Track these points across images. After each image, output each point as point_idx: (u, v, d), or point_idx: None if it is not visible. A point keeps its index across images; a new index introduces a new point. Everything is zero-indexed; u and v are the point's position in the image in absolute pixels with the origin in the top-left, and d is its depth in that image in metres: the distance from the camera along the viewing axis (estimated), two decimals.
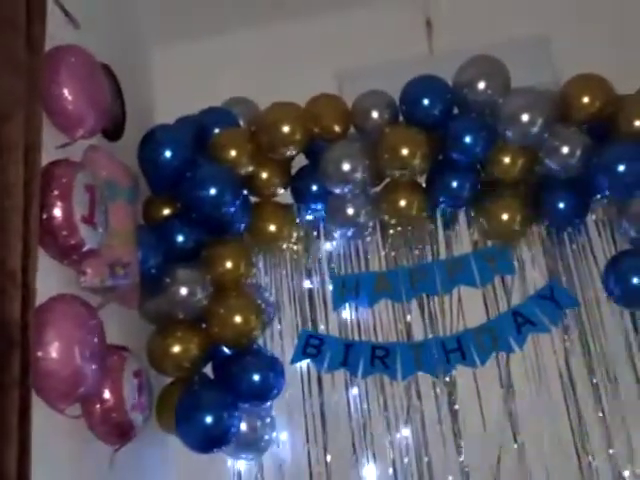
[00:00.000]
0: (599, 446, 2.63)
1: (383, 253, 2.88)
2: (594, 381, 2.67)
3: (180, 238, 2.52)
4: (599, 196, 2.68)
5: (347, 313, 2.84)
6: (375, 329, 2.81)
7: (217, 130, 2.67)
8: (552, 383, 2.68)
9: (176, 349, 2.46)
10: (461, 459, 2.65)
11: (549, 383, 2.68)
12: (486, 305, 2.77)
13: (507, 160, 2.67)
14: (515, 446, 2.64)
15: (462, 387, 2.71)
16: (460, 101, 2.68)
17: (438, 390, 2.72)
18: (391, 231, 2.84)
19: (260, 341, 2.69)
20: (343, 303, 2.83)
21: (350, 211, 2.73)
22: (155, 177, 2.57)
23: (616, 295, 2.62)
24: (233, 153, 2.63)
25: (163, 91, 3.24)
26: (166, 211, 2.59)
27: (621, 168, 2.52)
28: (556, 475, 2.60)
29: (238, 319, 2.50)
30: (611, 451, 2.61)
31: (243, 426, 2.49)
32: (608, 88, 2.63)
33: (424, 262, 2.85)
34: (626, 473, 2.59)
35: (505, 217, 2.72)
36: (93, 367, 1.96)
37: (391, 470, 2.68)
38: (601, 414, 2.64)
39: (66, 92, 2.06)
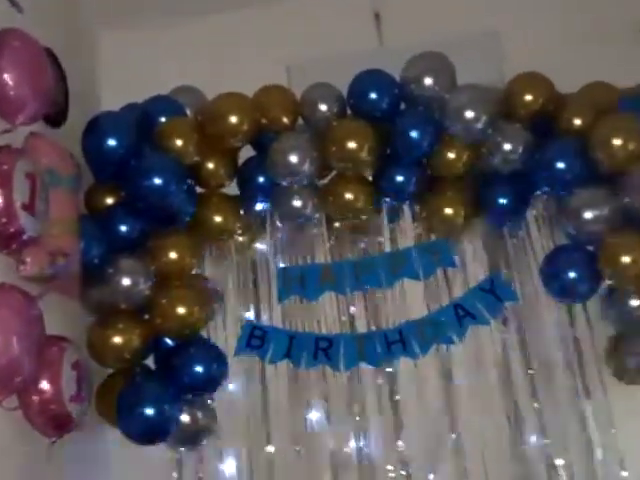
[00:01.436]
0: (534, 436, 2.71)
1: (328, 245, 2.90)
2: (530, 372, 2.75)
3: (123, 228, 2.49)
4: (539, 192, 2.75)
5: (292, 305, 2.85)
6: (319, 321, 2.83)
7: (163, 119, 2.64)
8: (490, 374, 2.75)
9: (117, 340, 2.43)
10: (400, 449, 2.70)
11: (487, 374, 2.75)
12: (428, 298, 2.82)
13: (452, 155, 2.71)
14: (453, 436, 2.70)
15: (403, 378, 2.75)
16: (407, 96, 2.71)
17: (379, 381, 2.76)
18: (337, 224, 2.86)
19: (204, 332, 2.68)
20: (288, 295, 2.84)
21: (296, 203, 2.74)
22: (99, 165, 2.54)
23: (553, 289, 2.69)
24: (179, 143, 2.60)
25: (109, 78, 3.18)
26: (109, 200, 2.56)
27: (560, 165, 2.60)
28: (491, 464, 2.66)
29: (182, 310, 2.49)
30: (545, 441, 2.69)
31: (184, 417, 2.48)
32: (550, 86, 2.70)
33: (369, 255, 2.89)
34: (558, 462, 2.68)
35: (448, 211, 2.77)
36: (31, 358, 1.93)
37: (331, 460, 2.71)
38: (536, 405, 2.72)
39: (7, 77, 2.00)
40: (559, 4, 3.19)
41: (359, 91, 2.70)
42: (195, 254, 2.65)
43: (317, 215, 2.81)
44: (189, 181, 2.65)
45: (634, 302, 2.53)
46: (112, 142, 2.48)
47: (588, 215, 2.54)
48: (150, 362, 2.58)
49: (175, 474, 2.67)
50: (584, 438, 2.69)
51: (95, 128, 2.52)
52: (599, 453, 2.67)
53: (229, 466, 2.73)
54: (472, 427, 2.69)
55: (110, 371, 2.54)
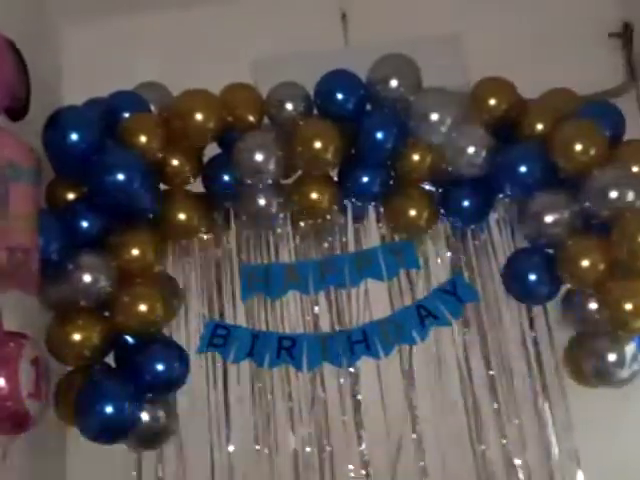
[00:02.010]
0: (493, 436, 2.74)
1: (293, 245, 2.90)
2: (490, 373, 2.78)
3: (85, 223, 2.46)
4: (501, 195, 2.78)
5: (255, 304, 2.85)
6: (283, 320, 2.83)
7: (127, 114, 2.61)
8: (451, 375, 2.78)
9: (77, 337, 2.40)
10: (361, 448, 2.71)
11: (448, 375, 2.77)
12: (391, 298, 2.84)
13: (416, 157, 2.74)
14: (414, 436, 2.72)
15: (365, 378, 2.76)
16: (373, 97, 2.73)
17: (342, 381, 2.77)
18: (302, 223, 2.87)
19: (166, 330, 2.66)
20: (251, 294, 2.84)
21: (261, 202, 2.73)
22: (60, 160, 2.50)
23: (514, 290, 2.73)
24: (143, 139, 2.57)
25: (72, 72, 3.15)
26: (71, 195, 2.52)
27: (522, 169, 2.63)
28: (452, 464, 2.68)
29: (143, 308, 2.46)
30: (504, 441, 2.73)
31: (145, 416, 2.45)
32: (514, 91, 2.74)
33: (333, 255, 2.89)
34: (517, 462, 2.71)
35: (412, 213, 2.79)
36: None
37: (292, 460, 2.71)
38: (496, 405, 2.76)
39: None
40: (525, 8, 3.25)
41: (326, 91, 2.71)
42: (158, 251, 2.62)
43: (282, 214, 2.81)
44: (153, 178, 2.62)
45: (592, 305, 2.56)
46: (74, 137, 2.44)
47: (548, 219, 2.58)
48: (111, 360, 2.55)
49: (134, 473, 2.65)
50: (542, 439, 2.73)
51: (57, 122, 2.48)
52: (556, 453, 2.71)
53: (189, 466, 2.71)
54: (432, 427, 2.71)
55: (69, 368, 2.51)
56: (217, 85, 2.71)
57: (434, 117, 2.65)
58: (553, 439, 2.71)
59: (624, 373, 2.51)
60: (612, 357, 2.51)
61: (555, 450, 2.71)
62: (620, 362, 2.51)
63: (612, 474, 2.75)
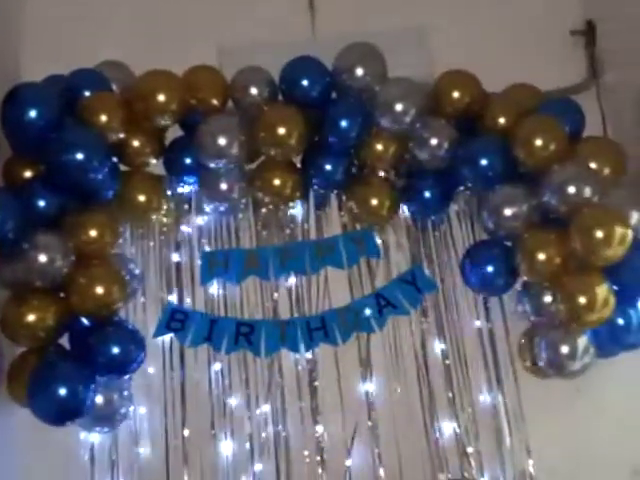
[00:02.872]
0: (447, 424, 2.78)
1: (254, 231, 2.89)
2: (446, 362, 2.82)
3: (42, 202, 2.41)
4: (462, 187, 2.81)
5: (214, 289, 2.83)
6: (242, 306, 2.82)
7: (87, 93, 2.56)
8: (408, 363, 2.81)
9: (31, 318, 2.35)
10: (317, 434, 2.73)
11: (405, 363, 2.81)
12: (351, 286, 2.85)
13: (380, 147, 2.75)
14: (369, 423, 2.75)
15: (323, 365, 2.78)
16: (339, 85, 2.72)
17: (300, 367, 2.78)
18: (263, 209, 2.85)
19: (122, 313, 2.63)
20: (211, 278, 2.82)
21: (223, 186, 2.72)
22: (17, 137, 2.44)
23: (471, 281, 2.77)
24: (103, 118, 2.52)
25: (32, 48, 3.07)
26: (28, 173, 2.47)
27: (483, 162, 2.65)
28: (406, 451, 2.72)
29: (100, 290, 2.43)
30: (457, 429, 2.77)
31: (99, 399, 2.42)
32: (477, 85, 2.76)
33: (294, 242, 2.89)
34: (469, 450, 2.76)
35: (374, 202, 2.81)
36: None
37: (248, 445, 2.72)
38: (450, 394, 2.79)
39: None
40: (491, 4, 3.28)
41: (291, 77, 2.70)
42: (116, 233, 2.58)
43: (244, 199, 2.80)
44: (113, 158, 2.58)
45: (547, 298, 2.61)
46: (33, 114, 2.38)
47: (507, 212, 2.61)
48: (65, 342, 2.52)
49: (87, 457, 2.62)
50: (494, 427, 2.78)
51: (15, 99, 2.42)
52: (508, 442, 2.76)
53: (144, 449, 2.70)
54: (388, 414, 2.74)
55: (23, 349, 2.47)
56: (181, 68, 2.68)
57: (399, 107, 2.67)
58: (505, 428, 2.77)
59: (576, 365, 2.56)
60: (565, 349, 2.55)
61: (507, 439, 2.76)
62: (572, 354, 2.55)
63: (562, 463, 2.81)
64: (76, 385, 2.34)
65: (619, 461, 2.80)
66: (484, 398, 2.81)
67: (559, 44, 3.31)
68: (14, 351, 2.48)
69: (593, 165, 2.60)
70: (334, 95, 2.74)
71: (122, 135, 2.59)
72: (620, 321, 2.56)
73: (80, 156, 2.39)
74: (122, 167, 2.69)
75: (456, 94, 2.72)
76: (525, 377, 2.77)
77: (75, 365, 2.39)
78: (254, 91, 2.70)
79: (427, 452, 2.75)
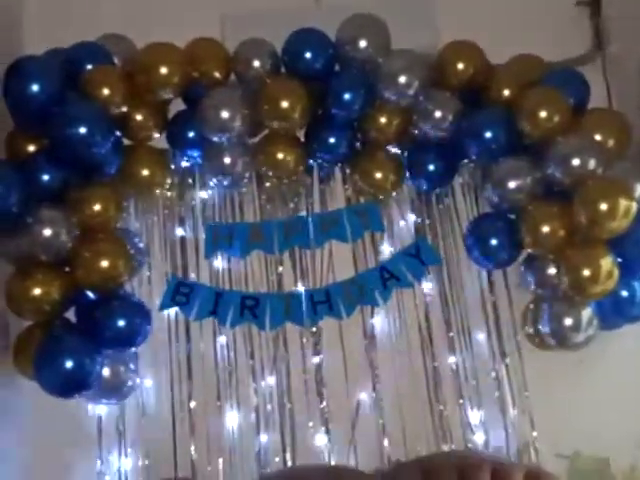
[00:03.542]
0: (451, 396, 2.80)
1: (258, 204, 2.89)
2: (450, 335, 2.84)
3: (45, 177, 2.40)
4: (466, 160, 2.80)
5: (219, 262, 2.84)
6: (246, 279, 2.83)
7: (89, 66, 2.55)
8: (411, 336, 2.82)
9: (36, 292, 2.36)
10: (322, 406, 2.75)
11: (409, 336, 2.82)
12: (355, 260, 2.86)
13: (383, 120, 2.73)
14: (374, 395, 2.77)
15: (327, 338, 2.79)
16: (342, 57, 2.70)
17: (304, 340, 2.79)
18: (267, 183, 2.85)
19: (128, 287, 2.64)
20: (215, 252, 2.83)
21: (227, 160, 2.71)
22: (20, 111, 2.43)
23: (475, 255, 2.77)
24: (106, 91, 2.51)
25: (33, 21, 3.05)
26: (31, 147, 2.45)
27: (488, 134, 2.64)
28: (410, 422, 2.74)
29: (105, 264, 2.43)
30: (461, 401, 2.79)
31: (106, 371, 2.44)
32: (482, 56, 2.74)
33: (298, 215, 2.89)
34: (473, 421, 2.78)
35: (378, 175, 2.80)
36: None
37: (254, 416, 2.74)
38: (454, 366, 2.81)
39: None
40: None
41: (294, 49, 2.67)
42: (120, 207, 2.58)
43: (247, 173, 2.79)
44: (116, 132, 2.57)
45: (551, 270, 2.61)
46: (34, 87, 2.37)
47: (511, 184, 2.60)
48: (71, 316, 2.53)
49: (95, 429, 2.65)
50: (498, 399, 2.80)
51: (17, 72, 2.40)
52: (512, 414, 2.78)
53: (151, 421, 2.73)
54: (392, 386, 2.75)
55: (29, 323, 2.49)
56: (183, 39, 2.66)
57: (402, 79, 2.65)
58: (509, 400, 2.79)
59: (580, 337, 2.57)
60: (569, 321, 2.56)
61: (511, 411, 2.78)
62: (576, 326, 2.56)
63: (565, 434, 2.83)
64: (82, 358, 2.36)
65: (623, 432, 2.81)
66: (488, 370, 2.83)
67: (564, 15, 3.27)
68: (20, 325, 2.49)
69: (598, 137, 2.58)
70: (337, 67, 2.73)
71: (125, 109, 2.58)
72: (624, 293, 2.56)
73: (83, 130, 2.38)
74: (125, 141, 2.68)
75: (460, 65, 2.70)
76: (528, 349, 2.77)
77: (81, 338, 2.40)
78: (257, 64, 2.67)
79: (431, 424, 2.76)
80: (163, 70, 2.55)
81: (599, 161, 2.51)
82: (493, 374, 2.81)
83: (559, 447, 2.83)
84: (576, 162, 2.50)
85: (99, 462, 2.66)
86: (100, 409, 2.63)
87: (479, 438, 2.77)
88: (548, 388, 2.80)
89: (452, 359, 2.82)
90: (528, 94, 2.63)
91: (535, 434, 2.75)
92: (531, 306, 2.75)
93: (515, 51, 2.78)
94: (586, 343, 2.58)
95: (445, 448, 2.74)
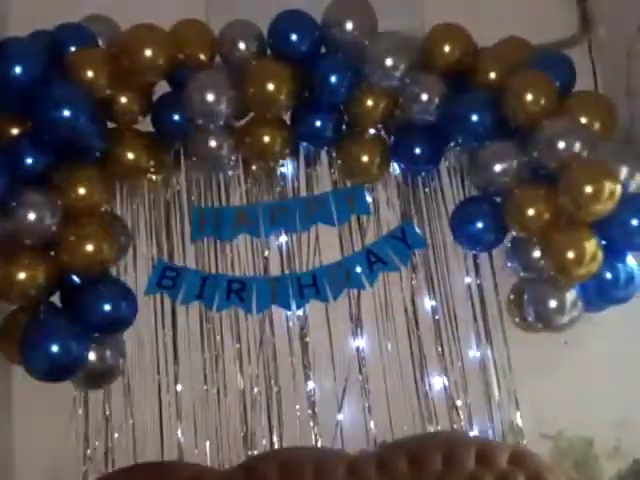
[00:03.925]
0: (436, 378, 2.82)
1: (244, 188, 2.89)
2: (436, 318, 2.85)
3: (29, 160, 2.38)
4: (452, 144, 2.80)
5: (205, 246, 2.84)
6: (232, 263, 2.84)
7: (73, 48, 2.52)
8: (398, 319, 2.83)
9: (21, 276, 2.35)
10: (309, 389, 2.76)
11: (395, 319, 2.83)
12: (341, 243, 2.87)
13: (370, 103, 2.73)
14: (360, 377, 2.79)
15: (314, 321, 2.80)
16: (328, 40, 2.69)
17: (291, 324, 2.80)
18: (253, 166, 2.85)
19: (113, 271, 2.64)
20: (201, 235, 2.83)
21: (212, 143, 2.70)
22: (3, 93, 2.40)
23: (461, 238, 2.78)
24: (90, 74, 2.49)
25: (19, 2, 3.01)
26: (15, 130, 2.43)
27: (474, 118, 2.64)
28: (396, 405, 2.76)
29: (90, 247, 2.42)
30: (447, 383, 2.81)
31: (92, 356, 2.45)
32: (468, 39, 2.73)
33: (285, 199, 2.89)
34: (459, 402, 2.80)
35: (365, 159, 2.80)
36: None
37: (240, 400, 2.75)
38: (440, 348, 2.83)
39: None
40: None
41: (280, 32, 2.66)
42: (105, 191, 2.57)
43: (233, 157, 2.78)
44: (100, 115, 2.55)
45: (536, 253, 2.62)
46: (18, 70, 2.35)
47: (497, 168, 2.61)
48: (57, 300, 2.52)
49: (81, 411, 2.65)
50: (483, 381, 2.82)
51: (0, 54, 2.38)
52: (497, 395, 2.81)
53: (137, 404, 2.73)
54: (378, 369, 2.77)
55: (14, 307, 2.48)
56: (168, 21, 2.63)
57: (389, 62, 2.63)
58: (494, 381, 2.81)
59: (564, 319, 2.59)
60: (553, 303, 2.58)
61: (495, 392, 2.81)
62: (561, 308, 2.58)
63: (549, 415, 2.85)
64: (69, 342, 2.36)
65: (606, 413, 2.85)
66: (473, 352, 2.85)
67: None
68: (5, 309, 2.48)
69: (583, 120, 2.58)
70: (323, 50, 2.71)
71: (109, 91, 2.57)
72: (608, 275, 2.58)
73: (67, 113, 2.36)
74: (110, 124, 2.66)
75: (447, 48, 2.69)
76: (513, 331, 2.80)
77: (67, 323, 2.40)
78: (242, 46, 2.65)
79: (417, 405, 2.78)
80: (148, 52, 2.53)
81: (585, 144, 2.51)
82: (478, 356, 2.83)
83: (543, 427, 2.86)
84: (562, 145, 2.50)
85: (85, 444, 2.67)
86: (86, 393, 2.63)
87: (464, 419, 2.79)
88: (532, 370, 2.82)
89: (438, 341, 2.83)
90: (514, 77, 2.62)
91: (519, 415, 2.79)
92: (516, 289, 2.77)
93: (502, 34, 2.77)
94: (570, 325, 2.61)
95: (431, 429, 2.77)
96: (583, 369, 2.86)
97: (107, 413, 2.69)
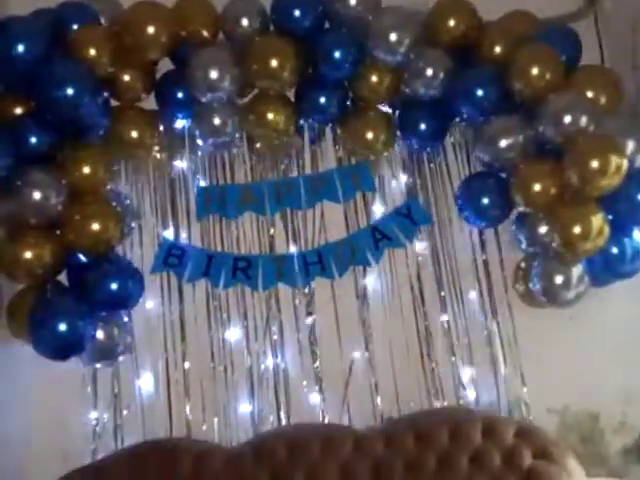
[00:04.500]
0: (443, 354, 2.83)
1: (249, 165, 2.88)
2: (442, 294, 2.86)
3: (33, 139, 2.39)
4: (458, 119, 2.78)
5: (211, 224, 2.84)
6: (238, 241, 2.84)
7: (76, 26, 2.51)
8: (404, 295, 2.84)
9: (28, 255, 2.37)
10: (315, 365, 2.78)
11: (401, 295, 2.84)
12: (347, 220, 2.86)
13: (374, 78, 2.71)
14: (366, 354, 2.80)
15: (320, 298, 2.81)
16: (332, 15, 2.67)
17: (297, 301, 2.81)
18: (258, 144, 2.84)
19: (119, 250, 2.65)
20: (207, 213, 2.83)
21: (216, 121, 2.69)
22: (6, 73, 2.41)
23: (467, 214, 2.78)
24: (92, 52, 2.49)
25: None
26: (18, 110, 2.43)
27: (479, 92, 2.63)
28: (402, 380, 2.77)
29: (95, 226, 2.44)
30: (452, 358, 2.82)
31: (99, 334, 2.46)
32: (473, 13, 2.71)
33: (289, 176, 2.88)
34: (464, 378, 2.81)
35: (369, 135, 2.79)
36: None
37: (247, 377, 2.77)
38: (446, 325, 2.84)
39: None
40: None
41: (283, 7, 2.64)
42: (110, 169, 2.58)
43: (238, 134, 2.77)
44: (104, 93, 2.55)
45: (542, 229, 2.61)
46: (21, 48, 2.35)
47: (503, 143, 2.60)
48: (63, 279, 2.53)
49: (89, 389, 2.68)
50: (490, 356, 2.83)
51: (2, 33, 2.38)
52: (503, 370, 2.81)
53: (145, 382, 2.75)
54: (384, 345, 2.78)
55: (22, 286, 2.49)
56: None
57: (393, 37, 2.61)
58: (500, 357, 2.82)
59: (570, 294, 2.59)
60: (559, 279, 2.58)
61: (502, 367, 2.81)
62: (567, 284, 2.58)
63: (555, 390, 2.86)
64: (76, 320, 2.38)
65: (612, 388, 2.85)
66: (479, 328, 2.85)
67: None
68: (13, 289, 2.50)
69: (589, 94, 2.57)
70: (327, 25, 2.69)
71: (112, 69, 2.56)
72: (614, 250, 2.57)
73: (70, 91, 2.36)
74: (113, 102, 2.66)
75: (452, 22, 2.67)
76: (519, 306, 2.81)
77: (74, 301, 2.41)
78: (245, 22, 2.63)
79: (423, 381, 2.80)
80: (150, 29, 2.52)
81: (591, 118, 2.50)
82: (484, 331, 2.84)
83: (549, 402, 2.86)
84: (567, 119, 2.49)
85: (95, 422, 2.70)
86: (94, 369, 2.65)
87: (470, 394, 2.81)
88: (538, 345, 2.82)
89: (444, 317, 2.84)
90: (520, 51, 2.60)
91: (526, 390, 2.80)
92: (522, 264, 2.77)
93: (507, 8, 2.74)
94: (576, 300, 2.61)
95: (437, 405, 2.78)
96: (589, 344, 2.86)
97: (116, 391, 2.71)
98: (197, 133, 2.74)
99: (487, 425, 2.62)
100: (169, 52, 2.63)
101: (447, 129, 2.83)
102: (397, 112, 2.84)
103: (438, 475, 2.53)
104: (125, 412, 2.72)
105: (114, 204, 2.56)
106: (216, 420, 2.74)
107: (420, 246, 2.87)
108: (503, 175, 2.69)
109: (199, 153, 2.84)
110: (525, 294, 2.76)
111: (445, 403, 2.79)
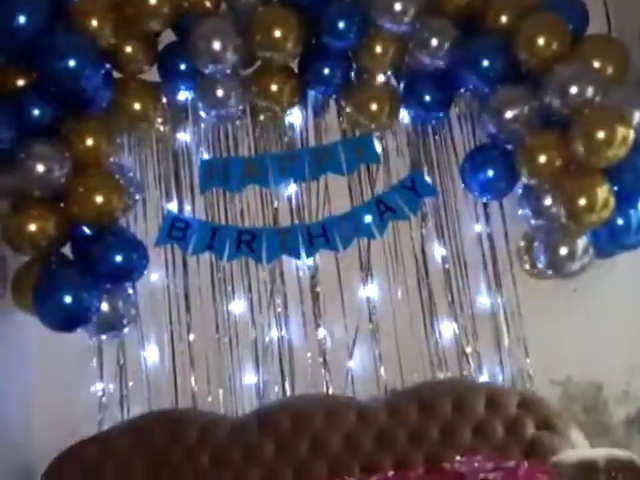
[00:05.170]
0: (446, 325, 2.84)
1: (253, 138, 2.87)
2: (446, 266, 2.86)
3: (35, 111, 2.37)
4: (463, 90, 2.76)
5: (214, 197, 2.84)
6: (242, 214, 2.84)
7: None
8: (408, 267, 2.84)
9: (32, 227, 2.37)
10: (319, 337, 2.79)
11: (405, 267, 2.84)
12: (351, 193, 2.86)
13: (378, 49, 2.68)
14: (370, 326, 2.81)
15: (324, 270, 2.82)
16: None
17: (301, 273, 2.82)
18: (262, 116, 2.82)
19: (123, 222, 2.64)
20: (211, 186, 2.83)
21: (220, 93, 2.67)
22: (7, 44, 2.38)
23: (472, 186, 2.76)
24: (94, 23, 2.46)
25: None
26: (20, 82, 2.42)
27: (485, 63, 2.59)
28: (406, 352, 2.78)
29: (99, 199, 2.43)
30: (457, 330, 2.83)
31: (104, 306, 2.47)
32: None
33: (293, 149, 2.87)
34: (468, 349, 2.83)
35: (374, 107, 2.76)
36: None
37: (252, 349, 2.79)
38: (450, 297, 2.84)
39: None
40: None
41: None
42: (113, 142, 2.57)
43: (241, 106, 2.76)
44: (106, 65, 2.52)
45: (548, 201, 2.59)
46: (22, 19, 2.32)
47: (508, 114, 2.57)
48: (68, 252, 2.54)
49: (95, 360, 2.70)
50: (493, 328, 2.84)
51: (3, 4, 2.35)
52: (506, 342, 2.82)
53: (150, 353, 2.78)
54: (388, 317, 2.79)
55: (26, 259, 2.50)
56: None
57: (397, 7, 2.57)
58: (504, 329, 2.83)
59: (575, 265, 2.58)
60: (564, 250, 2.56)
61: (505, 339, 2.82)
62: (571, 255, 2.56)
63: (559, 362, 2.87)
64: (81, 292, 2.38)
65: (615, 359, 2.86)
66: (483, 300, 2.86)
67: None
68: (18, 261, 2.51)
69: (596, 64, 2.53)
70: None
71: (114, 41, 2.53)
72: (620, 221, 2.55)
73: (72, 63, 2.34)
74: (115, 74, 2.64)
75: None
76: (523, 279, 2.80)
77: (78, 273, 2.42)
78: None
79: (427, 353, 2.81)
80: (152, 0, 2.49)
81: (597, 89, 2.46)
82: (488, 303, 2.84)
83: (552, 373, 2.88)
84: (574, 90, 2.46)
85: (101, 393, 2.72)
86: (99, 341, 2.67)
87: (474, 366, 2.82)
88: (542, 316, 2.83)
89: (448, 290, 2.84)
90: (526, 21, 2.56)
91: (529, 361, 2.81)
92: (527, 236, 2.76)
93: None
94: (581, 272, 2.60)
95: (440, 376, 2.80)
96: (592, 315, 2.87)
97: (121, 362, 2.73)
98: (200, 105, 2.73)
99: (490, 396, 2.64)
100: (171, 23, 2.61)
101: (452, 100, 2.81)
102: (402, 83, 2.81)
103: (441, 446, 2.55)
104: (131, 383, 2.75)
105: (117, 177, 2.55)
106: (221, 391, 2.76)
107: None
108: (508, 147, 2.67)
109: (202, 125, 2.83)
110: (529, 266, 2.75)
111: (449, 374, 2.81)
